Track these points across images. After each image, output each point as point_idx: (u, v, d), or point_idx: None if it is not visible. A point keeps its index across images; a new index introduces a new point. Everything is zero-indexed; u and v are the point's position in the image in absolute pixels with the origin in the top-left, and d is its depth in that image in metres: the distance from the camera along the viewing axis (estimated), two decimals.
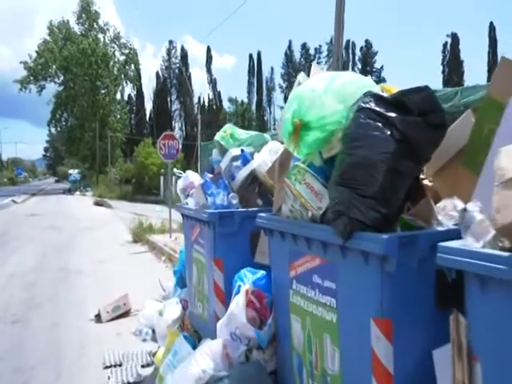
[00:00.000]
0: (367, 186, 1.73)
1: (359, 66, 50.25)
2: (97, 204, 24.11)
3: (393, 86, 2.14)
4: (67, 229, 12.88)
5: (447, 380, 1.57)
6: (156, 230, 10.85)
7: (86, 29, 43.39)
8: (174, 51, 54.96)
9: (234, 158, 3.32)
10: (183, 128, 54.26)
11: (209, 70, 55.33)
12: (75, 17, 43.21)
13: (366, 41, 50.47)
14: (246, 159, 3.28)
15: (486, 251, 1.28)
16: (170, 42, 55.48)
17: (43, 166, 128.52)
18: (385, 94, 1.88)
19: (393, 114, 1.76)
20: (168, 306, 4.00)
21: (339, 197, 1.81)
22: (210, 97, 54.57)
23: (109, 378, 3.47)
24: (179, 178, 4.01)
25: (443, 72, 46.17)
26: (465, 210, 1.65)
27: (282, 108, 49.65)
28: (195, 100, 52.06)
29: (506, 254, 1.23)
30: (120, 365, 3.68)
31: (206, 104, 53.33)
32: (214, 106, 53.31)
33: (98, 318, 4.87)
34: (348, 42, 47.81)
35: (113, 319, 4.85)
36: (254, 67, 54.12)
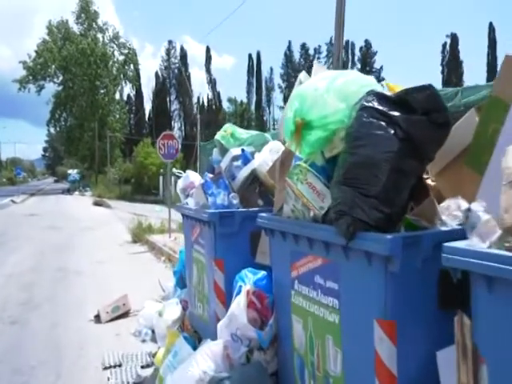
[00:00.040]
0: (370, 185, 1.71)
1: (358, 66, 50.26)
2: (96, 204, 24.07)
3: (397, 84, 2.12)
4: (66, 229, 12.85)
5: (452, 382, 1.55)
6: (155, 230, 10.83)
7: (85, 29, 43.33)
8: (173, 51, 55.00)
9: (235, 158, 3.30)
10: (182, 128, 54.27)
11: (208, 70, 55.37)
12: (74, 17, 43.18)
13: (366, 41, 50.56)
14: (246, 159, 3.26)
15: (493, 251, 1.26)
16: (170, 42, 55.56)
17: (42, 166, 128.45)
18: (388, 93, 1.87)
19: (396, 113, 1.74)
20: (168, 306, 3.98)
21: (342, 196, 1.79)
22: (210, 97, 54.62)
23: (108, 378, 3.45)
24: (179, 177, 3.99)
25: (442, 72, 46.23)
26: (469, 209, 1.64)
27: (281, 108, 49.76)
28: (194, 100, 52.13)
29: None
30: (119, 365, 3.66)
31: (206, 104, 53.37)
32: (214, 106, 53.31)
33: (98, 318, 4.84)
34: (347, 42, 47.82)
35: (112, 320, 4.83)
36: (254, 67, 54.13)
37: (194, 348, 2.96)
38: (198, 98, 50.13)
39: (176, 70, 53.99)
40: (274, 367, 2.51)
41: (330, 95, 1.98)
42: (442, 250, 1.41)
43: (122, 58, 44.47)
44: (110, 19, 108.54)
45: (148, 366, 3.65)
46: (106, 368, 3.63)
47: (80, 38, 41.63)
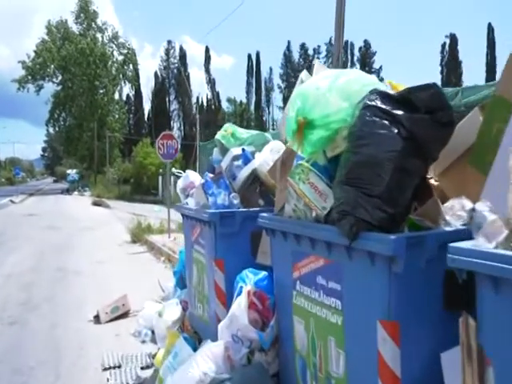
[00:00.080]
0: (373, 185, 1.70)
1: (358, 66, 50.25)
2: (95, 204, 24.04)
3: (400, 83, 2.10)
4: (65, 229, 12.83)
5: None
6: (154, 230, 10.81)
7: (85, 28, 43.26)
8: (172, 51, 54.95)
9: (235, 158, 3.28)
10: (181, 128, 54.22)
11: (207, 70, 55.32)
12: (73, 16, 43.10)
13: (365, 41, 50.53)
14: (247, 159, 3.24)
15: (500, 252, 1.24)
16: (169, 42, 55.49)
17: (41, 166, 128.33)
18: (391, 92, 1.85)
19: (399, 112, 1.73)
20: (168, 306, 3.96)
21: (344, 196, 1.78)
22: (209, 97, 54.57)
23: (108, 379, 3.43)
24: (178, 177, 3.97)
25: (442, 72, 46.26)
26: (473, 209, 1.62)
27: (280, 108, 49.78)
28: (194, 100, 52.05)
29: None
30: (119, 367, 3.64)
31: (205, 104, 53.31)
32: (213, 106, 53.27)
33: (97, 318, 4.82)
34: (346, 42, 47.74)
35: (112, 320, 4.81)
36: (253, 67, 54.10)
37: (195, 349, 2.94)
38: (198, 98, 50.14)
39: (175, 70, 53.96)
40: (275, 368, 2.49)
41: (333, 94, 1.96)
42: (447, 251, 1.39)
43: (121, 57, 44.43)
44: (109, 19, 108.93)
45: (148, 367, 3.63)
46: (105, 369, 3.61)
47: (79, 38, 41.57)
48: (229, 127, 3.65)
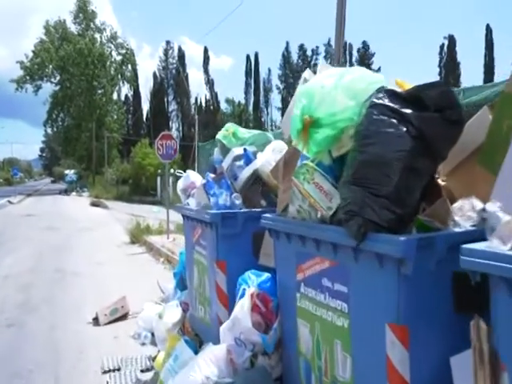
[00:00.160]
0: (381, 185, 1.66)
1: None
2: (93, 205, 23.96)
3: (405, 81, 2.06)
4: (64, 230, 12.77)
5: None
6: (153, 231, 10.77)
7: (83, 28, 43.17)
8: (171, 52, 54.85)
9: (237, 158, 3.24)
10: (180, 129, 54.11)
11: (206, 71, 55.22)
12: (72, 16, 42.99)
13: (364, 42, 50.44)
14: (248, 159, 3.21)
15: None
16: (167, 43, 55.37)
17: (39, 167, 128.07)
18: (399, 90, 1.81)
19: (408, 110, 1.69)
20: (168, 308, 3.92)
21: (351, 196, 1.74)
22: (207, 97, 54.48)
23: (107, 382, 3.39)
24: (178, 178, 3.93)
25: (440, 73, 46.27)
26: (484, 210, 1.58)
27: (279, 109, 49.78)
28: (192, 101, 52.01)
29: None
30: (119, 369, 3.59)
31: (203, 105, 53.24)
32: (212, 107, 53.19)
33: (96, 320, 4.78)
34: (345, 43, 47.71)
35: (111, 322, 4.76)
36: (252, 68, 54.04)
37: (196, 352, 2.89)
38: (196, 99, 50.09)
39: (174, 71, 53.87)
40: (278, 372, 2.45)
41: (338, 92, 1.92)
42: (459, 252, 1.35)
43: (119, 58, 44.33)
44: (108, 19, 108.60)
45: (148, 369, 3.59)
46: (105, 372, 3.57)
47: (77, 38, 41.48)
48: (230, 127, 3.61)
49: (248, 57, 54.38)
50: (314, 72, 2.88)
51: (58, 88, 43.07)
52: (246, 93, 54.35)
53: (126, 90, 50.93)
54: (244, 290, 2.52)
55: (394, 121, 1.69)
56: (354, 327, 1.81)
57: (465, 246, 1.34)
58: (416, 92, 1.72)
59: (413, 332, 1.62)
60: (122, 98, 50.83)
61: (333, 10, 7.08)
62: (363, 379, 1.80)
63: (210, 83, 54.94)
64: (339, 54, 7.30)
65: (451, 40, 46.09)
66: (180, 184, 3.79)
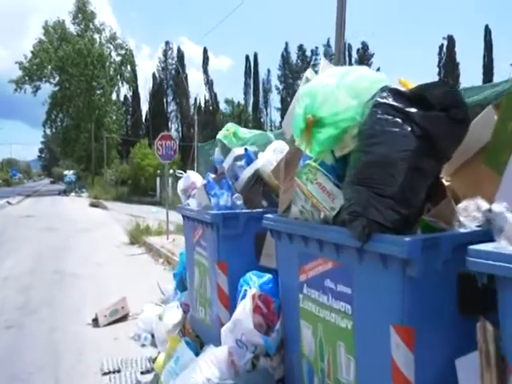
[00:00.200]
0: (386, 185, 1.64)
1: None
2: (92, 205, 23.90)
3: (408, 80, 2.04)
4: (63, 230, 12.72)
5: None
6: (153, 231, 10.73)
7: (82, 29, 43.10)
8: (170, 52, 54.78)
9: (238, 158, 3.22)
10: (179, 129, 54.03)
11: (205, 72, 55.15)
12: (71, 17, 42.91)
13: (363, 43, 50.40)
14: (249, 159, 3.19)
15: None
16: (167, 43, 55.27)
17: (38, 167, 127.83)
18: (403, 89, 1.79)
19: (413, 110, 1.67)
20: (168, 309, 3.90)
21: (355, 197, 1.72)
22: (207, 98, 54.42)
23: None
24: (178, 179, 3.91)
25: (439, 74, 46.24)
26: (490, 210, 1.56)
27: (278, 109, 49.73)
28: (191, 101, 51.93)
29: None
30: (119, 371, 3.56)
31: (203, 105, 53.17)
32: (211, 108, 53.14)
33: (96, 322, 4.74)
34: (344, 44, 47.75)
35: (110, 323, 4.73)
36: (251, 69, 53.98)
37: (196, 353, 2.87)
38: (195, 100, 49.95)
39: (173, 71, 53.80)
40: (280, 374, 2.43)
41: (341, 91, 1.91)
42: (466, 253, 1.33)
43: (118, 58, 44.26)
44: (107, 20, 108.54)
45: (148, 371, 3.55)
46: (105, 373, 3.53)
47: (77, 39, 41.40)
48: (231, 127, 3.60)
49: (247, 57, 54.38)
50: (316, 72, 2.86)
51: (56, 89, 42.99)
52: (246, 93, 54.33)
53: (125, 90, 50.87)
54: (245, 291, 2.50)
55: (399, 120, 1.67)
56: (358, 329, 1.79)
57: (471, 247, 1.33)
58: (420, 91, 1.70)
59: (418, 333, 1.60)
60: (121, 99, 50.77)
61: (332, 10, 7.08)
62: (367, 382, 1.78)
63: (209, 84, 54.92)
64: (339, 55, 7.29)
65: (450, 40, 46.10)
66: (180, 184, 3.77)
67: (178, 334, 3.62)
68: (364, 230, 1.63)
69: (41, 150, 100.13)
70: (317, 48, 50.72)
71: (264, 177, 3.05)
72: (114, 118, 44.89)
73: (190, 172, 3.82)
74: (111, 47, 44.20)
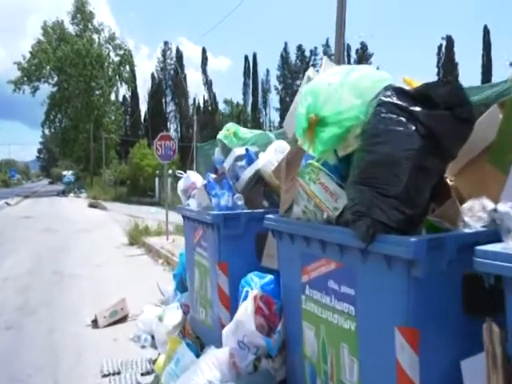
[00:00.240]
0: (390, 185, 1.62)
1: None
2: (91, 206, 23.84)
3: (412, 79, 2.02)
4: (62, 231, 12.68)
5: None
6: (152, 232, 10.69)
7: (81, 29, 43.01)
8: (169, 52, 54.70)
9: (239, 158, 3.21)
10: (178, 129, 53.95)
11: (204, 72, 55.09)
12: (70, 17, 42.78)
13: (362, 43, 50.39)
14: (250, 159, 3.17)
15: None
16: (165, 44, 55.18)
17: (37, 168, 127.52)
18: (407, 88, 1.77)
19: (417, 108, 1.65)
20: (168, 311, 3.87)
21: (359, 197, 1.70)
22: (206, 98, 54.36)
23: None
24: (177, 179, 3.89)
25: (438, 74, 46.26)
26: (495, 210, 1.55)
27: (277, 110, 49.70)
28: (190, 101, 51.84)
29: None
30: (119, 373, 3.53)
31: (202, 105, 53.11)
32: (210, 108, 53.10)
33: (95, 323, 4.71)
34: (343, 44, 47.68)
35: (110, 325, 4.70)
36: (250, 69, 53.93)
37: (197, 355, 2.85)
38: (194, 100, 49.70)
39: (172, 72, 53.74)
40: (282, 375, 2.41)
41: (345, 90, 1.89)
42: (473, 254, 1.32)
43: (117, 59, 44.17)
44: (106, 20, 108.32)
45: (148, 373, 3.53)
46: (104, 375, 3.50)
47: (75, 39, 41.30)
48: (231, 126, 3.58)
49: (246, 57, 54.30)
50: (317, 71, 2.84)
51: (55, 89, 42.90)
52: (245, 93, 54.27)
53: (123, 90, 50.73)
54: (247, 292, 2.49)
55: (403, 119, 1.66)
56: (362, 330, 1.77)
57: (479, 247, 1.31)
58: (425, 90, 1.68)
59: (423, 335, 1.58)
60: (120, 99, 50.67)
61: (332, 10, 7.08)
62: (371, 383, 1.76)
63: (208, 84, 54.85)
64: (339, 55, 7.28)
65: (449, 41, 46.12)
66: (180, 185, 3.75)
67: (178, 335, 3.60)
68: (368, 230, 1.61)
69: (39, 151, 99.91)
70: (316, 48, 50.71)
71: (265, 177, 3.03)
72: (113, 118, 44.82)
73: (190, 172, 3.80)
74: (110, 47, 44.14)
